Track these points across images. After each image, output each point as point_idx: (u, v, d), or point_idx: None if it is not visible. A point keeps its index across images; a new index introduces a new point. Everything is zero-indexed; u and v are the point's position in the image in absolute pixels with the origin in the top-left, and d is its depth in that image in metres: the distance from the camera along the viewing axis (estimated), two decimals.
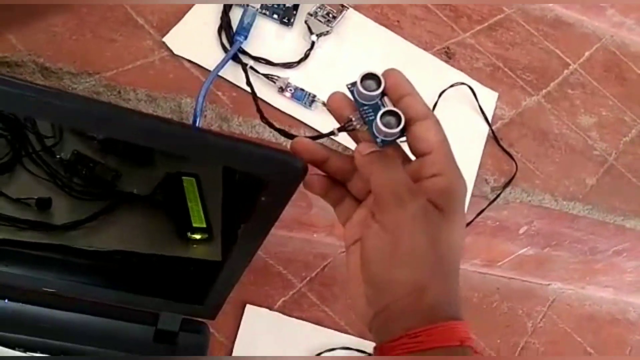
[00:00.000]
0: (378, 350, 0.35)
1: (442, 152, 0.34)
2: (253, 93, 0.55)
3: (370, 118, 0.35)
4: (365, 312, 0.36)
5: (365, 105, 0.36)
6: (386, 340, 0.34)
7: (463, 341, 0.33)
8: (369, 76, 0.35)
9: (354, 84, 0.36)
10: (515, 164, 0.67)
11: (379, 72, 0.35)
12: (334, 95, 0.38)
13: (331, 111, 0.38)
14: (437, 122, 0.35)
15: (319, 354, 0.64)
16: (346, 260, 0.38)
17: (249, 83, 0.55)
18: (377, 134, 0.35)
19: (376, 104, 0.35)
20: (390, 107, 0.35)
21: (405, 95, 0.35)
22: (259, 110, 0.52)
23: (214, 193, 0.60)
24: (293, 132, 0.56)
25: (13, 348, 0.53)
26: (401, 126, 0.34)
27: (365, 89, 0.35)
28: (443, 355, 0.33)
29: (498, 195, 0.64)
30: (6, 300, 0.55)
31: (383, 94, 0.35)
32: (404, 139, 0.36)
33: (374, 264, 0.35)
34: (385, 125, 0.34)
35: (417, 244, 0.34)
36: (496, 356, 0.74)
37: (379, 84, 0.35)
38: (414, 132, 0.35)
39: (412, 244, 0.34)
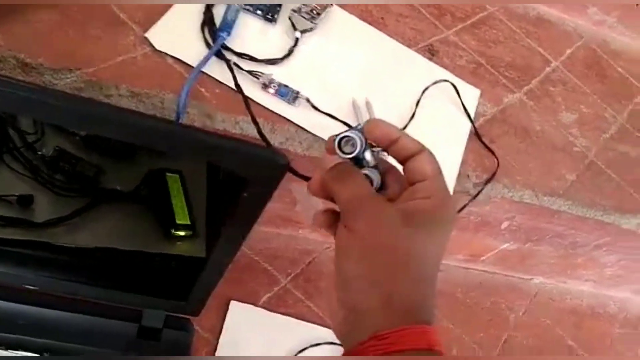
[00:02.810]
0: (346, 354, 0.35)
1: (435, 180, 0.37)
2: (240, 90, 0.55)
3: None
4: (336, 313, 0.36)
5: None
6: (355, 343, 0.34)
7: (432, 345, 0.33)
8: (345, 138, 0.38)
9: (335, 140, 0.38)
10: (497, 160, 0.67)
11: (353, 133, 0.38)
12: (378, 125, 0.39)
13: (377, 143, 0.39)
14: (430, 154, 0.37)
15: (303, 350, 0.65)
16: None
17: (235, 80, 0.55)
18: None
19: (357, 157, 0.38)
20: (349, 134, 0.38)
21: (396, 139, 0.37)
22: (248, 108, 0.52)
23: (198, 190, 0.60)
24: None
25: None
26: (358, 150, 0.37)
27: (342, 152, 0.38)
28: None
29: (480, 191, 0.65)
30: None
31: (364, 146, 0.38)
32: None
33: (344, 263, 0.35)
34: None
35: (385, 243, 0.34)
36: (470, 356, 0.75)
37: (354, 143, 0.38)
38: (409, 166, 0.37)
39: (371, 242, 0.35)
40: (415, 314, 0.34)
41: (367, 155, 0.38)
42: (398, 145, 0.37)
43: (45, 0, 0.52)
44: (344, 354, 0.36)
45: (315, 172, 0.38)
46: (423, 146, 0.38)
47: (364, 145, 0.37)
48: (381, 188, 0.38)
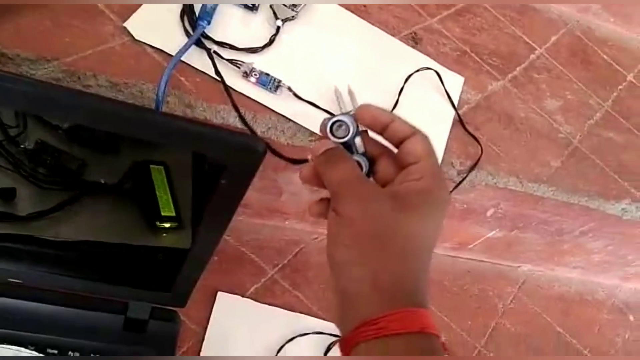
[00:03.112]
0: (343, 343, 0.35)
1: (428, 162, 0.37)
2: (221, 79, 0.55)
3: None
4: (332, 302, 0.36)
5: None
6: (348, 331, 0.34)
7: (424, 327, 0.33)
8: (337, 122, 0.38)
9: (327, 123, 0.38)
10: (481, 147, 0.68)
11: (346, 118, 0.38)
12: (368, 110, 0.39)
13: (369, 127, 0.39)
14: (424, 136, 0.38)
15: (291, 339, 0.65)
16: None
17: (215, 68, 0.55)
18: None
19: (347, 143, 0.38)
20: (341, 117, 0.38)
21: (388, 123, 0.37)
22: (229, 96, 0.52)
23: (183, 181, 0.59)
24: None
25: None
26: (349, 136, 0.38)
27: (335, 136, 0.38)
28: (404, 343, 0.32)
29: (464, 179, 0.65)
30: None
31: (356, 133, 0.38)
32: None
33: (333, 247, 0.35)
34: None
35: (374, 227, 0.34)
36: (465, 356, 0.75)
37: (347, 128, 0.38)
38: (402, 148, 0.37)
39: (368, 226, 0.34)
40: (407, 298, 0.34)
41: (357, 141, 0.38)
42: (391, 129, 0.37)
43: (36, 1, 0.52)
44: (340, 341, 0.35)
45: (309, 160, 0.39)
46: (415, 128, 0.38)
47: (355, 130, 0.38)
48: (369, 174, 0.38)
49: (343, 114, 0.38)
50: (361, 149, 0.38)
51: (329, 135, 0.38)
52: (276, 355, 0.63)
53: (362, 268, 0.34)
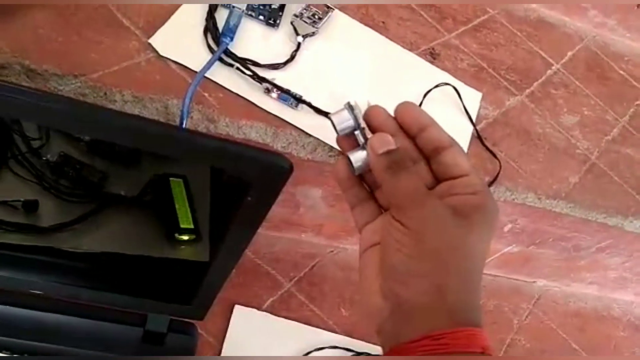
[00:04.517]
0: (394, 352, 0.34)
1: (477, 176, 0.36)
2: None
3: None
4: (380, 309, 0.35)
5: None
6: (406, 341, 0.33)
7: (485, 349, 0.32)
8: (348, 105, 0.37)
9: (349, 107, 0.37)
10: (499, 163, 0.68)
11: (354, 101, 0.37)
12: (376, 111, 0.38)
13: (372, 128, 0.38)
14: (461, 148, 0.37)
15: (307, 354, 0.65)
16: (361, 263, 0.38)
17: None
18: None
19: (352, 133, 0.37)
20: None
21: (427, 126, 0.36)
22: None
23: (202, 194, 0.60)
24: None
25: (0, 350, 0.53)
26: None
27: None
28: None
29: None
30: None
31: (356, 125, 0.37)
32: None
33: (396, 255, 0.34)
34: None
35: (439, 242, 0.34)
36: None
37: (353, 113, 0.37)
38: (443, 159, 0.36)
39: (434, 241, 0.34)
40: (467, 315, 0.33)
41: (357, 133, 0.37)
42: (428, 133, 0.36)
43: (48, 1, 0.52)
44: (387, 353, 0.34)
45: (340, 159, 0.38)
46: (452, 139, 0.37)
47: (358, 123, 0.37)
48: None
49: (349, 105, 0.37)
50: (361, 141, 0.37)
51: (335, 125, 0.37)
52: None
53: (427, 281, 0.33)
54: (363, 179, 0.39)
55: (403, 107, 0.37)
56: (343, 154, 0.37)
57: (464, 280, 0.34)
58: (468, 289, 0.34)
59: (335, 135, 0.38)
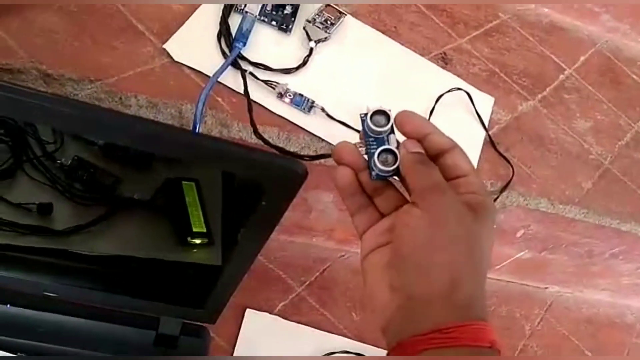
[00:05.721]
0: (400, 346, 0.34)
1: (476, 177, 0.37)
2: (249, 104, 0.56)
3: (373, 151, 0.37)
4: (387, 304, 0.35)
5: (372, 137, 0.37)
6: (412, 334, 0.33)
7: (493, 343, 0.32)
8: (379, 112, 0.37)
9: (366, 114, 0.37)
10: (512, 168, 0.67)
11: (389, 109, 0.37)
12: (343, 147, 0.38)
13: (337, 161, 0.38)
14: (462, 150, 0.38)
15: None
16: (363, 267, 0.38)
17: (246, 91, 0.56)
18: (373, 168, 0.37)
19: (382, 138, 0.37)
20: (391, 147, 0.37)
21: (428, 134, 0.37)
22: (252, 124, 0.53)
23: (214, 198, 0.60)
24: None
25: (14, 353, 0.54)
26: (396, 165, 0.36)
27: (374, 124, 0.37)
28: (468, 355, 0.32)
29: (495, 199, 0.65)
30: (8, 305, 0.55)
31: (391, 130, 0.37)
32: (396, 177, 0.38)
33: (411, 246, 0.34)
34: (381, 162, 0.36)
35: (457, 232, 0.34)
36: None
37: (388, 119, 0.37)
38: (445, 162, 0.37)
39: (452, 230, 0.34)
40: (476, 309, 0.33)
41: (392, 138, 0.37)
42: (430, 139, 0.37)
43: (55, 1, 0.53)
44: (394, 346, 0.34)
45: (340, 168, 0.38)
46: (454, 142, 0.37)
47: (391, 126, 0.37)
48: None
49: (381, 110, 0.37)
50: (394, 144, 0.37)
51: (365, 127, 0.37)
52: None
53: (445, 272, 0.33)
54: (362, 187, 0.39)
55: (403, 116, 0.38)
56: (341, 163, 0.38)
57: (476, 274, 0.34)
58: (478, 283, 0.34)
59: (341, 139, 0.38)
